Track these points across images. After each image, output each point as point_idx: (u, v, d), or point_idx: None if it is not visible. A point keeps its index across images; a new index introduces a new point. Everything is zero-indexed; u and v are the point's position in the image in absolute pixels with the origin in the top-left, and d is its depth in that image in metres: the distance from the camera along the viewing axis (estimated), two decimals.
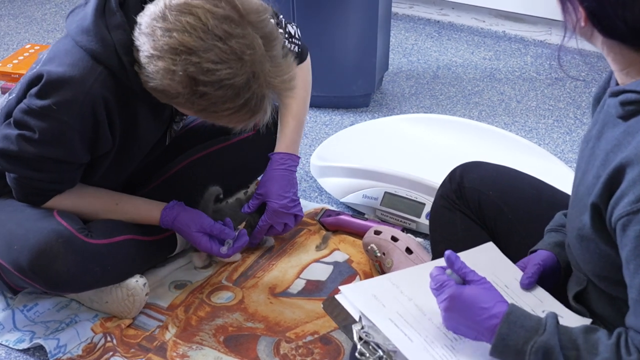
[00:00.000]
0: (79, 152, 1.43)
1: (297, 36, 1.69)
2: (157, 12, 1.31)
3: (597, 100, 1.17)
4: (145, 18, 1.34)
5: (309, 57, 1.76)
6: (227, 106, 1.33)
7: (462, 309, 1.07)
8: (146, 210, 1.60)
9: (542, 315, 1.06)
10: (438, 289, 1.09)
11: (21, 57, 2.41)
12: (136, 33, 1.35)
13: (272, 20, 1.35)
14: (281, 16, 1.67)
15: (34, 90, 1.38)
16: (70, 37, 1.42)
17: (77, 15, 1.44)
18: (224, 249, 1.63)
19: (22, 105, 1.40)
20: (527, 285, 1.21)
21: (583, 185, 1.07)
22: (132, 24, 1.37)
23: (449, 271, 1.11)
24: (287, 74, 1.36)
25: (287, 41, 1.65)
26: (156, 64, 1.31)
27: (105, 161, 1.51)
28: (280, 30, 1.62)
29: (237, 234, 1.66)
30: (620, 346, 0.97)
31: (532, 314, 1.06)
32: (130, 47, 1.36)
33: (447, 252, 1.11)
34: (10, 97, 1.48)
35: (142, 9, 1.37)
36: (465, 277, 1.10)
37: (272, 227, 1.73)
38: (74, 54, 1.39)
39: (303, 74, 1.73)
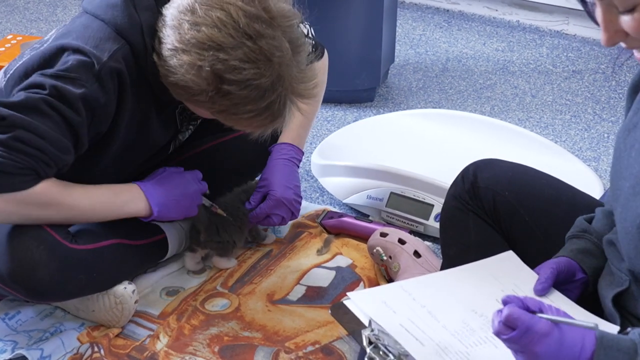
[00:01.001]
0: (86, 126, 1.40)
1: (310, 35, 1.72)
2: (186, 5, 1.34)
3: (635, 87, 1.17)
4: (172, 10, 1.36)
5: (326, 56, 1.79)
6: (249, 108, 1.36)
7: (554, 353, 0.98)
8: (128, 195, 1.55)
9: None
10: (525, 334, 0.96)
11: (2, 49, 2.41)
12: (159, 24, 1.38)
13: (300, 26, 1.39)
14: None
15: (51, 62, 1.37)
16: (90, 13, 1.43)
17: None
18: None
19: (39, 76, 1.37)
20: (541, 292, 1.20)
21: None
22: (159, 11, 1.40)
23: (547, 316, 0.98)
24: (311, 81, 1.41)
25: None
26: (180, 57, 1.33)
27: (108, 152, 1.49)
28: None
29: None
30: None
31: (620, 335, 1.02)
32: (155, 32, 1.39)
33: (506, 299, 1.00)
34: (8, 76, 1.46)
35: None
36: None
37: (269, 217, 1.72)
38: (94, 27, 1.40)
39: (318, 70, 1.76)
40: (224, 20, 1.30)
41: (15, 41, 2.45)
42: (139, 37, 1.40)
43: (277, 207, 1.70)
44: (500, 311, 0.98)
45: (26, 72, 1.40)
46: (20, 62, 1.44)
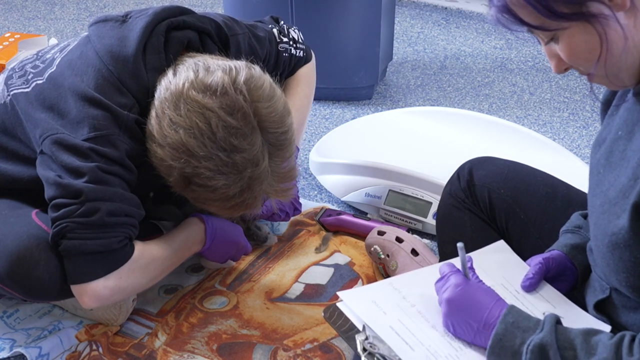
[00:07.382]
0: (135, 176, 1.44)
1: (300, 40, 1.75)
2: (172, 91, 1.33)
3: (607, 103, 1.17)
4: (161, 89, 1.36)
5: (313, 57, 1.82)
6: (216, 204, 1.38)
7: (463, 305, 1.10)
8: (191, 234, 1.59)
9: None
10: (444, 278, 1.14)
11: (0, 47, 2.40)
12: (151, 95, 1.38)
13: (292, 128, 1.38)
14: (282, 22, 1.72)
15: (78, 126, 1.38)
16: (98, 54, 1.42)
17: (112, 31, 1.44)
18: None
19: (73, 139, 1.37)
20: (528, 288, 1.22)
21: (614, 189, 1.06)
22: (167, 66, 1.40)
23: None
24: (286, 182, 1.40)
25: (292, 48, 1.71)
26: (155, 149, 1.35)
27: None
28: (285, 39, 1.69)
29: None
30: (623, 346, 0.98)
31: (531, 315, 1.07)
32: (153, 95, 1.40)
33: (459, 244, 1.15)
34: (28, 88, 1.45)
35: (179, 53, 1.41)
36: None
37: (274, 215, 1.77)
38: (105, 75, 1.40)
39: (308, 72, 1.78)
40: (202, 129, 1.29)
41: (13, 39, 2.45)
42: (144, 98, 1.40)
43: (282, 204, 1.74)
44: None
45: (51, 128, 1.39)
46: (33, 100, 1.43)
